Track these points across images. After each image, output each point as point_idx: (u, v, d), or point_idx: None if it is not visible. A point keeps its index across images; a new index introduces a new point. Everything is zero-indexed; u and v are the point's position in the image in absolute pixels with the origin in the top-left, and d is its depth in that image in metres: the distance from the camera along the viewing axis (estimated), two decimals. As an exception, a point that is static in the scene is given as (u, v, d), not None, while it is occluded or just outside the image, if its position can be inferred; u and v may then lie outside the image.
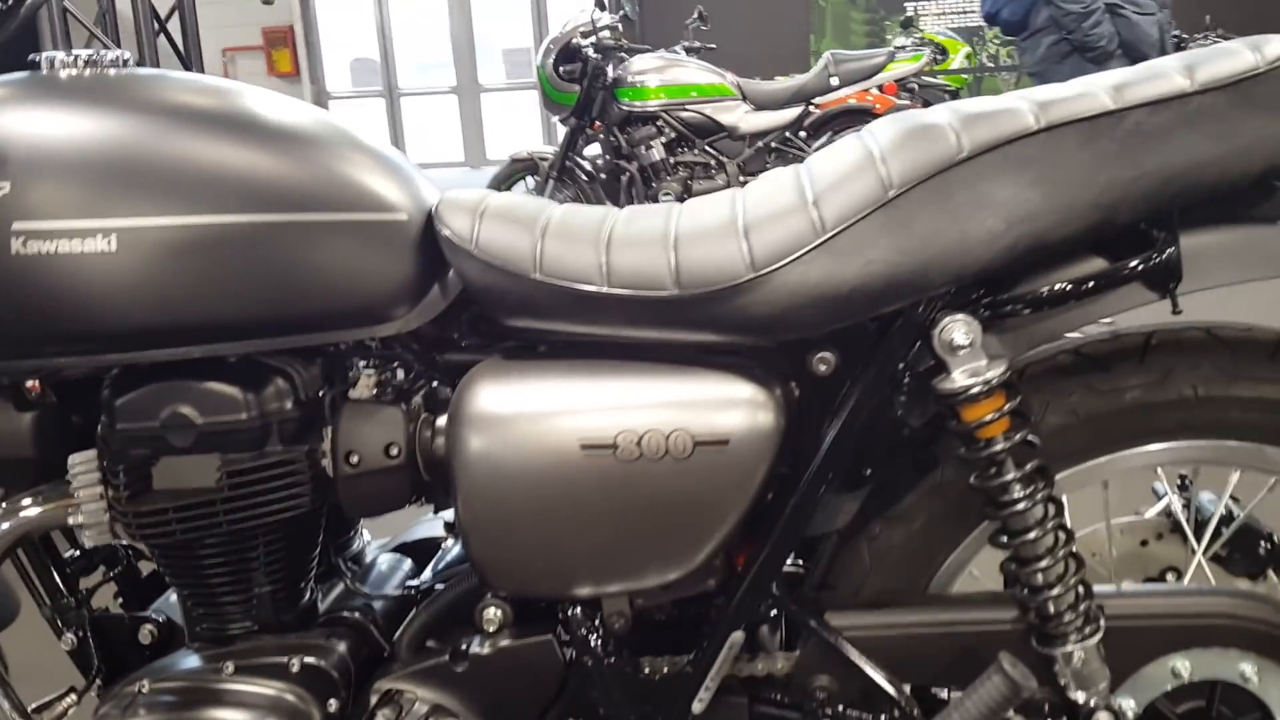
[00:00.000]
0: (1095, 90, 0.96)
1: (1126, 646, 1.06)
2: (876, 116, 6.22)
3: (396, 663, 1.15)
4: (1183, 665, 1.07)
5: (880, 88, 5.75)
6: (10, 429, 1.13)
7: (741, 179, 5.64)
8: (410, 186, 1.13)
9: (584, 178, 5.57)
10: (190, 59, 3.61)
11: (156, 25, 3.52)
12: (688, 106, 5.42)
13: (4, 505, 1.11)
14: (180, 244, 1.01)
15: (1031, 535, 1.01)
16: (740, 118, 5.56)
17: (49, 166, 1.00)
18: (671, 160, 5.46)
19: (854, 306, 0.99)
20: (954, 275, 0.97)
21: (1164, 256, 0.98)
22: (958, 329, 0.97)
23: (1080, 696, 1.03)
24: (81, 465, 1.09)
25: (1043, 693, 1.05)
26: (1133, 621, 1.06)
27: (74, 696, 1.19)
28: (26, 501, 1.11)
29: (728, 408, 1.02)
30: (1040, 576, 1.01)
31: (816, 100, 5.41)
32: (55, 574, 1.24)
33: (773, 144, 5.56)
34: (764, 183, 1.08)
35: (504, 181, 5.64)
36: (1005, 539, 1.02)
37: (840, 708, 1.08)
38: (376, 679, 1.14)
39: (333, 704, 1.10)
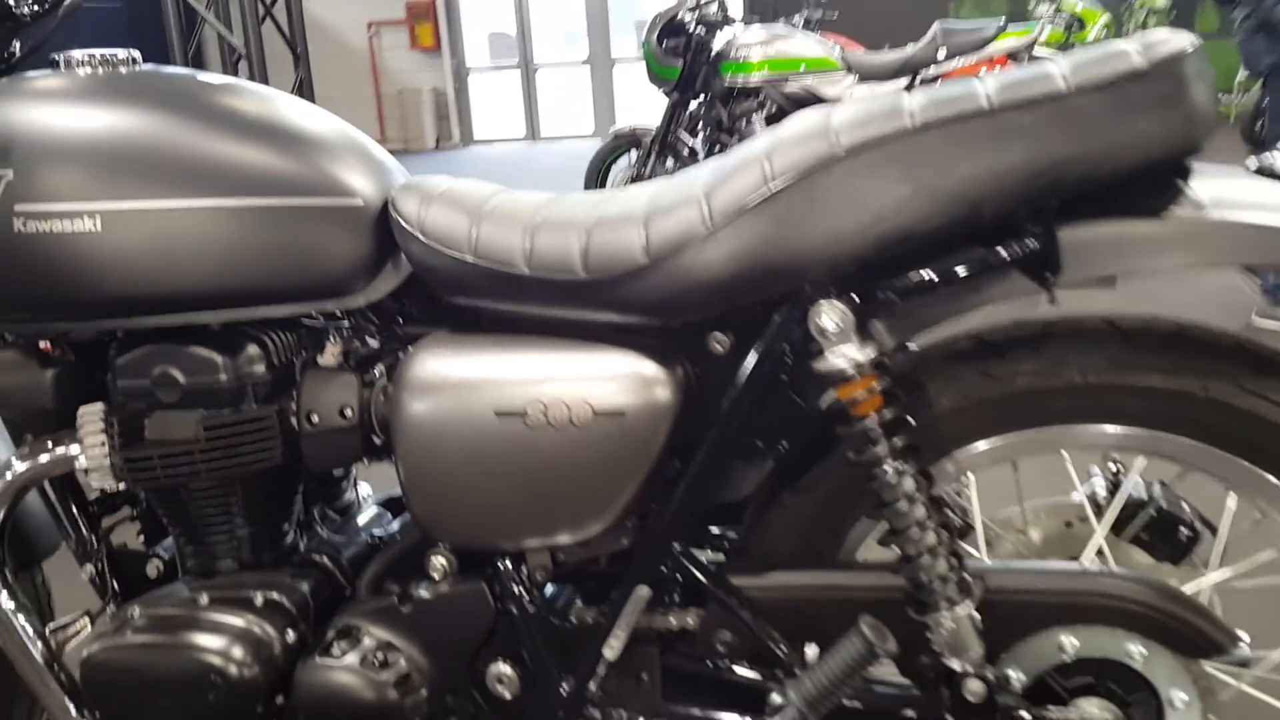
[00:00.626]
0: (975, 91, 1.01)
1: (1008, 619, 1.11)
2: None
3: (356, 603, 1.29)
4: (1069, 641, 1.12)
5: (992, 60, 5.64)
6: (34, 383, 1.30)
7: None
8: (371, 173, 1.25)
9: (685, 153, 5.64)
10: (296, 41, 3.81)
11: (262, 10, 3.73)
12: (791, 80, 5.42)
13: (23, 449, 1.29)
14: (157, 224, 1.15)
15: (901, 507, 1.07)
16: (845, 91, 5.53)
17: (47, 155, 1.15)
18: (774, 134, 5.46)
19: (739, 293, 1.07)
20: (828, 265, 1.04)
21: (1037, 248, 1.03)
22: (829, 315, 1.04)
23: (955, 664, 1.09)
24: (88, 416, 1.26)
25: (925, 659, 1.12)
26: (1015, 596, 1.11)
27: (87, 620, 1.37)
28: (41, 447, 1.28)
29: (625, 382, 1.11)
30: (911, 547, 1.08)
31: (927, 72, 5.34)
32: (80, 512, 1.42)
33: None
34: (677, 175, 1.16)
35: (606, 156, 5.75)
36: (879, 510, 1.09)
37: (740, 662, 1.17)
38: (336, 615, 1.28)
39: (290, 634, 1.24)
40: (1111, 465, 1.29)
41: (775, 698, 1.10)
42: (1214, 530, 1.21)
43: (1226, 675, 1.21)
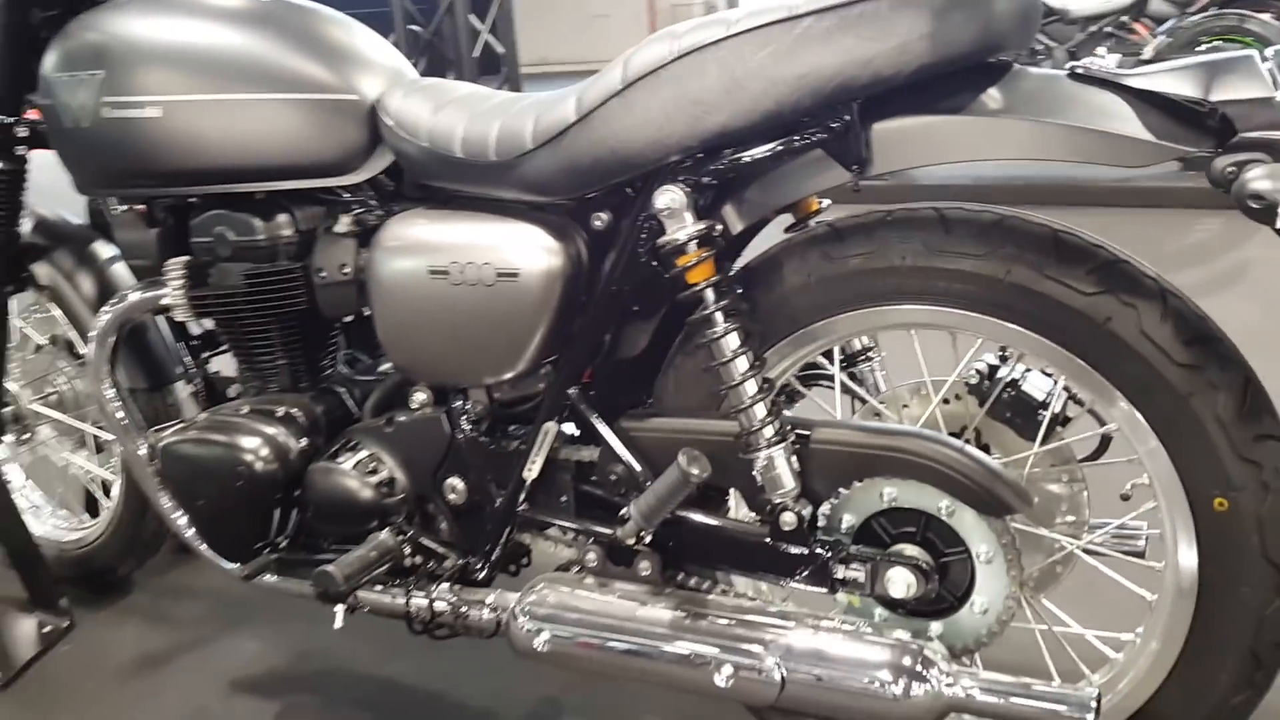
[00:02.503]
0: (783, 3, 1.17)
1: (830, 467, 1.29)
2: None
3: (359, 423, 1.61)
4: (890, 491, 1.28)
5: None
6: (145, 239, 1.70)
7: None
8: (372, 73, 1.53)
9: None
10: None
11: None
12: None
13: (127, 290, 1.69)
14: (203, 113, 1.49)
15: (727, 360, 1.26)
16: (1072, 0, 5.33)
17: (126, 58, 1.52)
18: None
19: (599, 176, 1.29)
20: (665, 152, 1.23)
21: (842, 139, 1.18)
22: (664, 196, 1.24)
23: (773, 497, 1.28)
24: (172, 266, 1.63)
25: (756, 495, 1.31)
26: (833, 447, 1.28)
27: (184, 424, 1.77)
28: (139, 288, 1.68)
29: (521, 249, 1.35)
30: (735, 395, 1.27)
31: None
32: (185, 345, 1.83)
33: (1107, 29, 5.28)
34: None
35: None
36: (710, 364, 1.28)
37: (626, 489, 1.40)
38: (343, 432, 1.61)
39: (304, 441, 1.58)
40: (999, 352, 1.40)
41: (623, 512, 1.33)
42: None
43: (1064, 539, 1.33)
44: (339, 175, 1.53)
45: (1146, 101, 1.11)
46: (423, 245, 1.42)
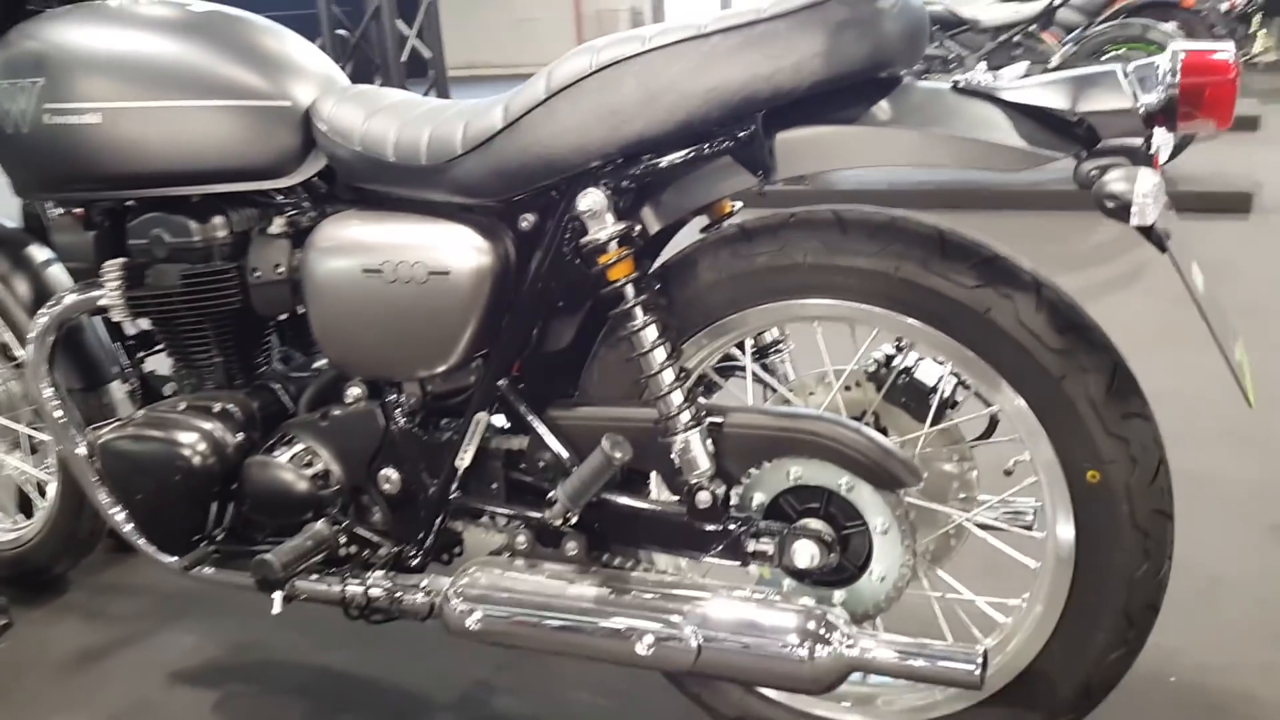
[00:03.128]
0: (694, 22, 1.27)
1: (742, 448, 1.39)
2: (1181, 8, 5.91)
3: (295, 418, 1.68)
4: (796, 470, 1.39)
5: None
6: (83, 242, 1.74)
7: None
8: (305, 79, 1.60)
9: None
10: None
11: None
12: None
13: (65, 291, 1.73)
14: (140, 119, 1.55)
15: (646, 350, 1.36)
16: (982, 10, 5.52)
17: (66, 66, 1.57)
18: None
19: (524, 180, 1.38)
20: (586, 158, 1.33)
21: (748, 147, 1.28)
22: (586, 198, 1.33)
23: (690, 478, 1.38)
24: (110, 267, 1.68)
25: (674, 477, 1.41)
26: (743, 429, 1.38)
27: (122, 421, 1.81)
28: (77, 289, 1.72)
29: (452, 248, 1.43)
30: (654, 384, 1.36)
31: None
32: (122, 345, 1.88)
33: (1016, 38, 5.49)
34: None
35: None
36: (630, 355, 1.38)
37: (554, 475, 1.48)
38: (279, 426, 1.67)
39: (240, 436, 1.65)
40: (895, 342, 1.51)
41: (551, 495, 1.42)
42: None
43: (954, 513, 1.45)
44: (272, 178, 1.59)
45: (1021, 112, 1.23)
46: (356, 245, 1.50)
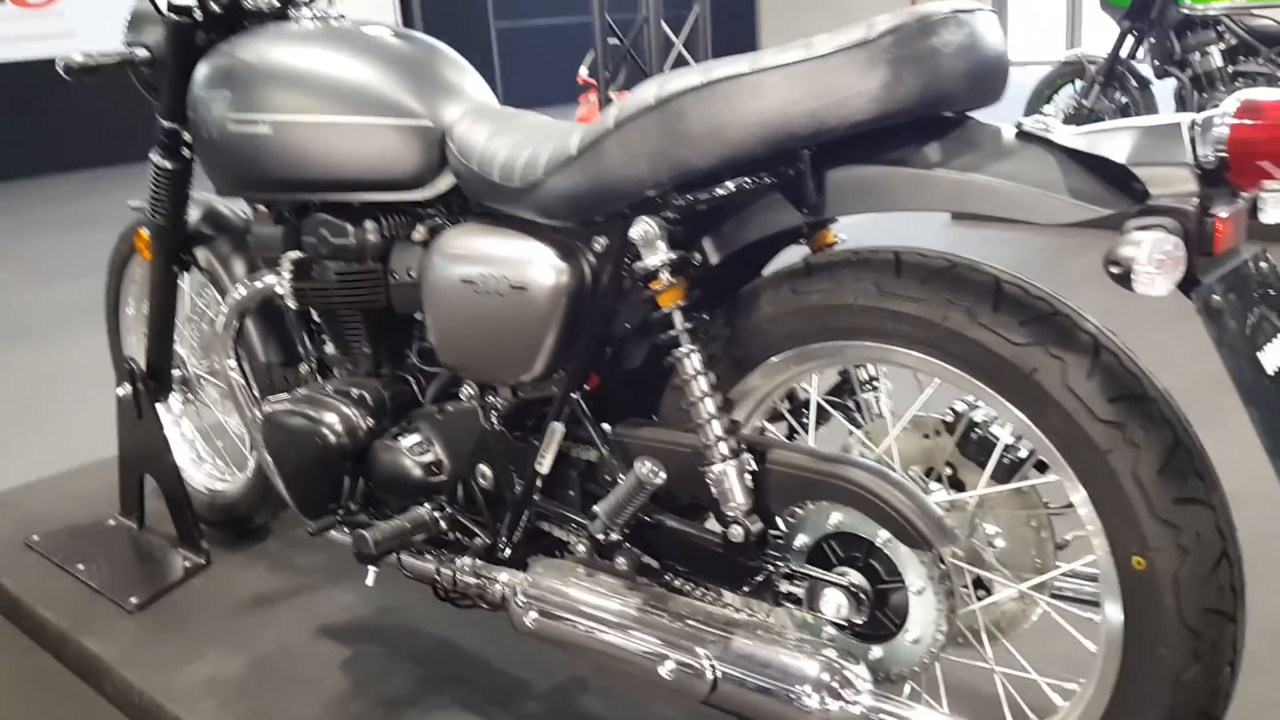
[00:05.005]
0: (752, 57, 1.26)
1: (782, 488, 1.36)
2: None
3: (420, 409, 1.81)
4: (837, 516, 1.35)
5: None
6: (269, 235, 1.96)
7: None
8: (448, 99, 1.72)
9: (1134, 84, 5.37)
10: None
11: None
12: (1256, 11, 4.98)
13: (251, 279, 1.96)
14: (302, 131, 1.73)
15: (689, 378, 1.36)
16: (1324, 22, 4.95)
17: (247, 81, 1.77)
18: (1230, 69, 5.06)
19: (592, 204, 1.42)
20: (641, 188, 1.35)
21: (795, 184, 1.26)
22: (638, 226, 1.36)
23: (727, 511, 1.37)
24: (285, 260, 1.88)
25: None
26: (785, 469, 1.36)
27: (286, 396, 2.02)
28: (258, 277, 1.94)
29: (530, 265, 1.50)
30: (695, 411, 1.37)
31: None
32: (307, 328, 2.09)
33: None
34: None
35: (1050, 84, 5.62)
36: (676, 383, 1.39)
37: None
38: (406, 415, 1.81)
39: (371, 420, 1.79)
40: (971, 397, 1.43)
41: (594, 509, 1.46)
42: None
43: (1007, 581, 1.36)
44: (412, 191, 1.72)
45: (1078, 161, 1.13)
46: (458, 257, 1.60)
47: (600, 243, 1.48)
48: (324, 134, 1.72)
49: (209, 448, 2.57)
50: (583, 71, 4.97)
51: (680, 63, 4.25)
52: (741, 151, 1.27)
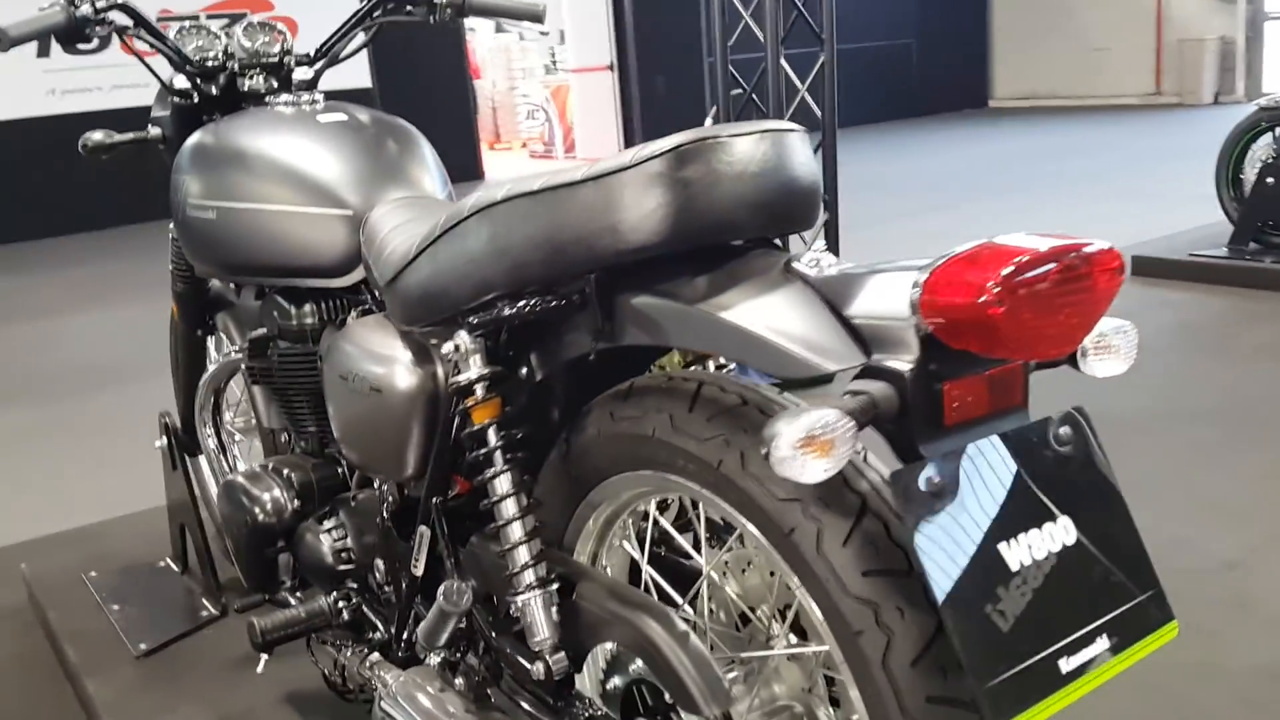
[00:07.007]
0: (537, 179, 1.21)
1: (587, 624, 1.28)
2: None
3: (343, 493, 1.83)
4: (638, 665, 1.26)
5: None
6: (244, 311, 2.03)
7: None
8: (380, 186, 1.72)
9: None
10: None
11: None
12: None
13: (222, 357, 2.04)
14: (236, 217, 1.78)
15: (495, 500, 1.30)
16: None
17: (200, 168, 1.85)
18: None
19: (421, 313, 1.41)
20: (454, 302, 1.32)
21: (583, 309, 1.20)
22: (451, 341, 1.31)
23: (531, 644, 1.30)
24: (246, 338, 1.95)
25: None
26: (589, 604, 1.27)
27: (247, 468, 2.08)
28: (227, 355, 2.02)
29: (388, 367, 1.48)
30: (502, 535, 1.30)
31: None
32: None
33: None
34: None
35: (1245, 132, 5.10)
36: (485, 502, 1.33)
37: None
38: (334, 499, 1.83)
39: (298, 502, 1.82)
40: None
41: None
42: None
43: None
44: (335, 278, 1.75)
45: (832, 307, 1.02)
46: (340, 351, 1.60)
47: (444, 349, 1.44)
48: (255, 221, 1.76)
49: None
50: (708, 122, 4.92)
51: (800, 112, 4.13)
52: (527, 272, 1.21)
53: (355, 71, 9.73)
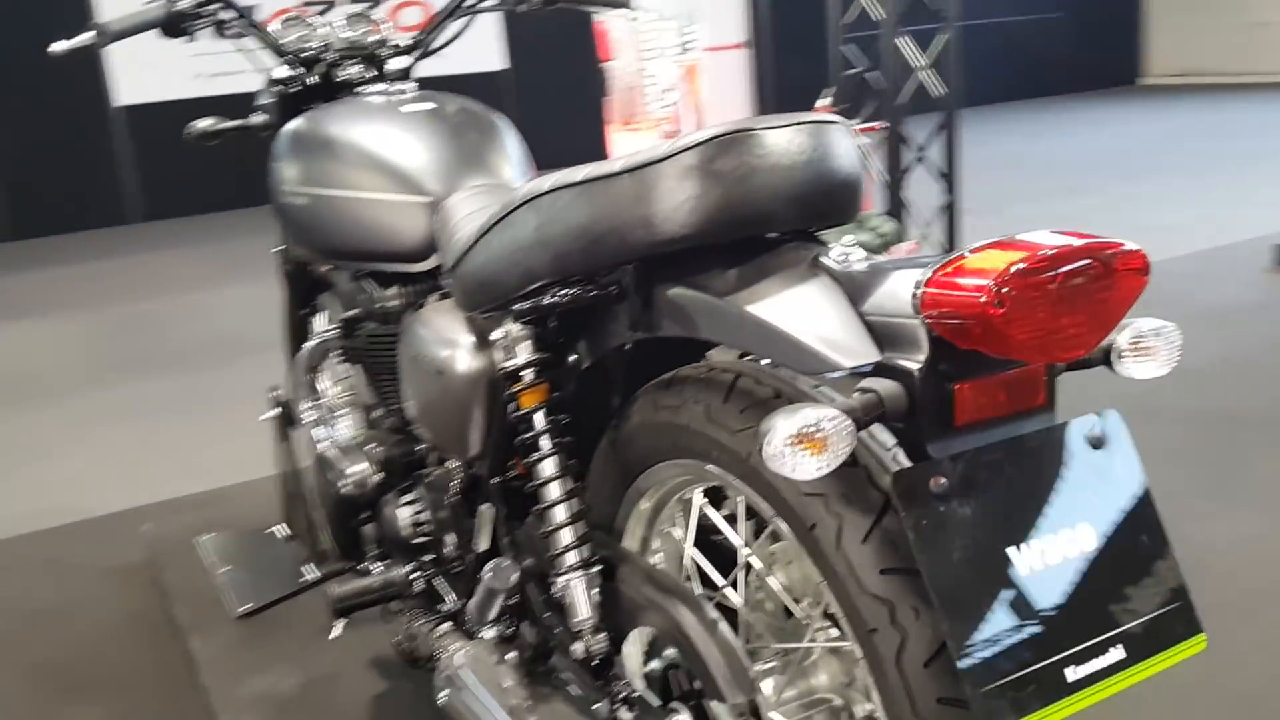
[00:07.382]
0: (580, 170, 1.22)
1: (624, 607, 1.31)
2: None
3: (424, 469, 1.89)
4: (672, 650, 1.27)
5: None
6: (340, 292, 2.11)
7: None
8: (456, 173, 1.77)
9: None
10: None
11: None
12: None
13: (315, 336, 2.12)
14: (327, 203, 1.85)
15: (541, 483, 1.34)
16: None
17: (293, 155, 1.92)
18: None
19: (480, 299, 1.44)
20: (505, 290, 1.35)
21: (622, 299, 1.21)
22: (500, 328, 1.35)
23: (571, 625, 1.33)
24: (341, 318, 2.03)
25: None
26: (628, 589, 1.30)
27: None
28: (322, 334, 2.10)
29: (449, 350, 1.52)
30: (545, 517, 1.34)
31: None
32: None
33: None
34: None
35: None
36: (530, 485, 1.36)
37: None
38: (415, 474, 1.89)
39: (380, 475, 1.88)
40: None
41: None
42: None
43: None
44: (413, 263, 1.80)
45: (852, 303, 1.01)
46: (412, 334, 1.66)
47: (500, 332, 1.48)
48: (340, 207, 1.83)
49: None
50: (821, 104, 4.80)
51: (920, 92, 4.04)
52: (568, 262, 1.23)
53: (490, 54, 9.90)
